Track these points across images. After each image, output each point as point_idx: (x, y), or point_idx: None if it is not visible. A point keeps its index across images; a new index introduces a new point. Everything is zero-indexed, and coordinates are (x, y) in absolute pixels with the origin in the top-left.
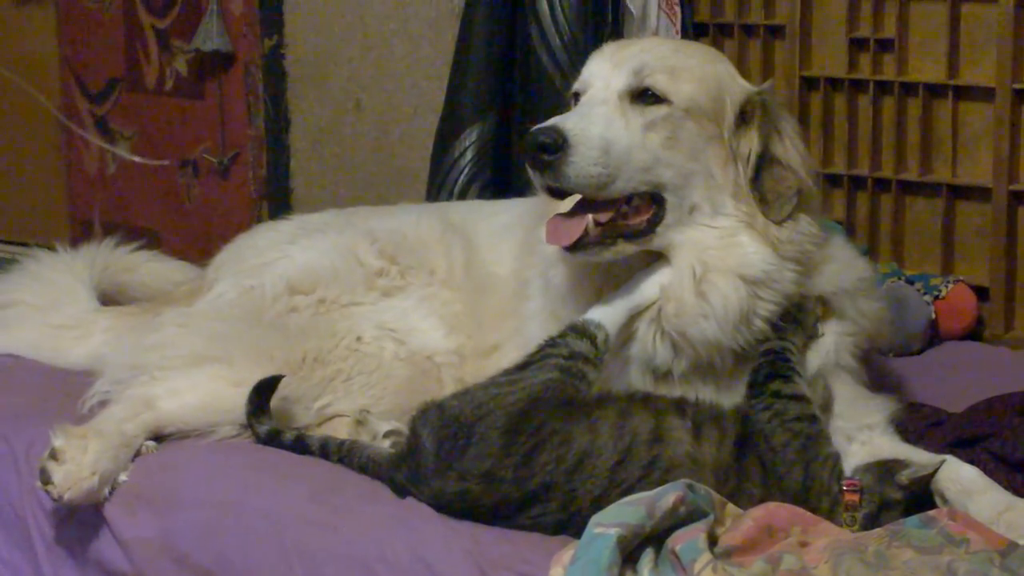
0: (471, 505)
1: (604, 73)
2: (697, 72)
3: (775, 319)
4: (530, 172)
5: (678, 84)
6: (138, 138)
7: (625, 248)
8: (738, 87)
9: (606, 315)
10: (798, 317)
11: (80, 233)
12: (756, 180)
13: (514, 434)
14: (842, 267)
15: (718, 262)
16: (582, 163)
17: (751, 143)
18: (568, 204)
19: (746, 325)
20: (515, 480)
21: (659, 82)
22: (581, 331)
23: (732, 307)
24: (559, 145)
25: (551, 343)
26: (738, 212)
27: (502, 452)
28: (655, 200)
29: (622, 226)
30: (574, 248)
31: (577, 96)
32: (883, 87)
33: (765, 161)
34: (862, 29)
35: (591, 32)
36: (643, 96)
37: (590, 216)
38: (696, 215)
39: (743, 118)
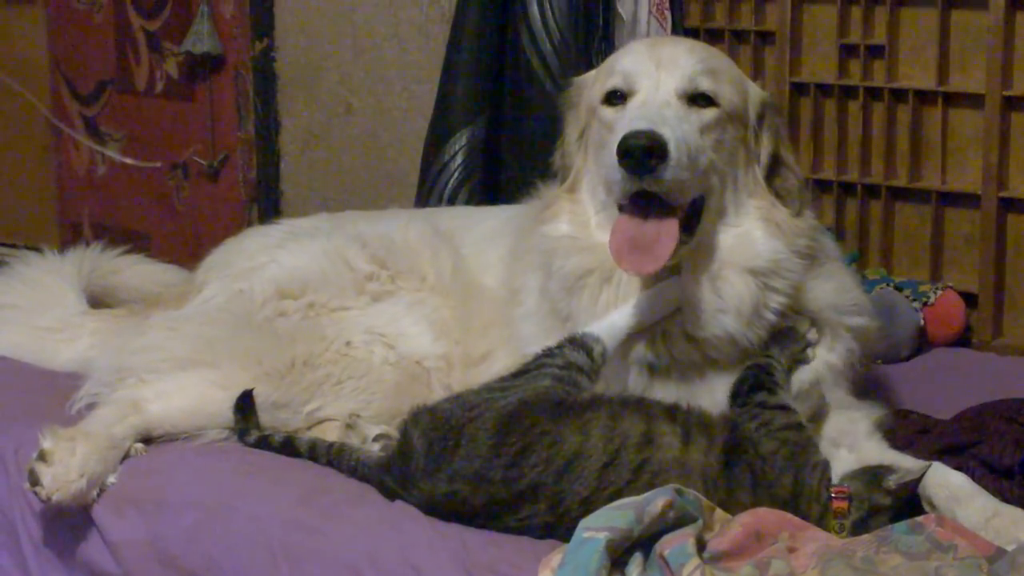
0: (460, 506)
1: (650, 73)
2: (729, 74)
3: (785, 311)
4: (622, 176)
5: (722, 87)
6: (128, 140)
7: (683, 251)
8: (754, 90)
9: (605, 330)
10: (787, 336)
11: (69, 235)
12: (768, 180)
13: (504, 435)
14: (837, 286)
15: (730, 259)
16: (677, 167)
17: (765, 144)
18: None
19: (758, 318)
20: (504, 481)
21: (710, 85)
22: (579, 344)
23: (745, 301)
24: (663, 149)
25: (547, 353)
26: (756, 210)
27: (491, 453)
28: (692, 205)
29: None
30: None
31: (617, 94)
32: (873, 93)
33: (774, 162)
34: (852, 35)
35: (581, 36)
36: (695, 99)
37: (669, 223)
38: (724, 217)
39: (759, 120)
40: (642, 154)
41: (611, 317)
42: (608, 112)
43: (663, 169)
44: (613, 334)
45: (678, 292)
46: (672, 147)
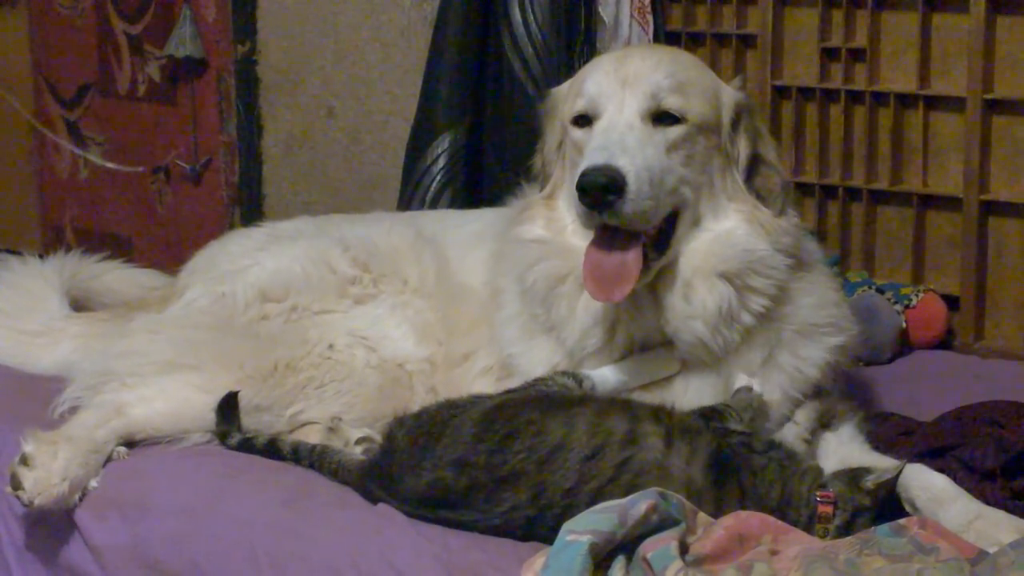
0: (443, 493)
1: (614, 94)
2: (699, 85)
3: (768, 312)
4: (584, 211)
5: (689, 101)
6: (110, 144)
7: (656, 267)
8: (727, 94)
9: (596, 377)
10: (759, 411)
11: (51, 238)
12: (748, 181)
13: (488, 423)
14: (818, 301)
15: (703, 264)
16: (639, 199)
17: (742, 146)
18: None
19: (731, 322)
20: (487, 467)
21: (676, 103)
22: (570, 375)
23: (709, 308)
24: (620, 184)
25: (539, 379)
26: (736, 213)
27: (475, 439)
28: (667, 218)
29: (648, 248)
30: None
31: (584, 118)
32: (854, 96)
33: (753, 162)
34: (834, 38)
35: (563, 40)
36: (661, 117)
37: (633, 253)
38: (701, 223)
39: (734, 123)
40: (599, 191)
41: (603, 369)
42: (577, 133)
43: (621, 204)
44: (603, 385)
45: (673, 361)
46: (631, 179)
